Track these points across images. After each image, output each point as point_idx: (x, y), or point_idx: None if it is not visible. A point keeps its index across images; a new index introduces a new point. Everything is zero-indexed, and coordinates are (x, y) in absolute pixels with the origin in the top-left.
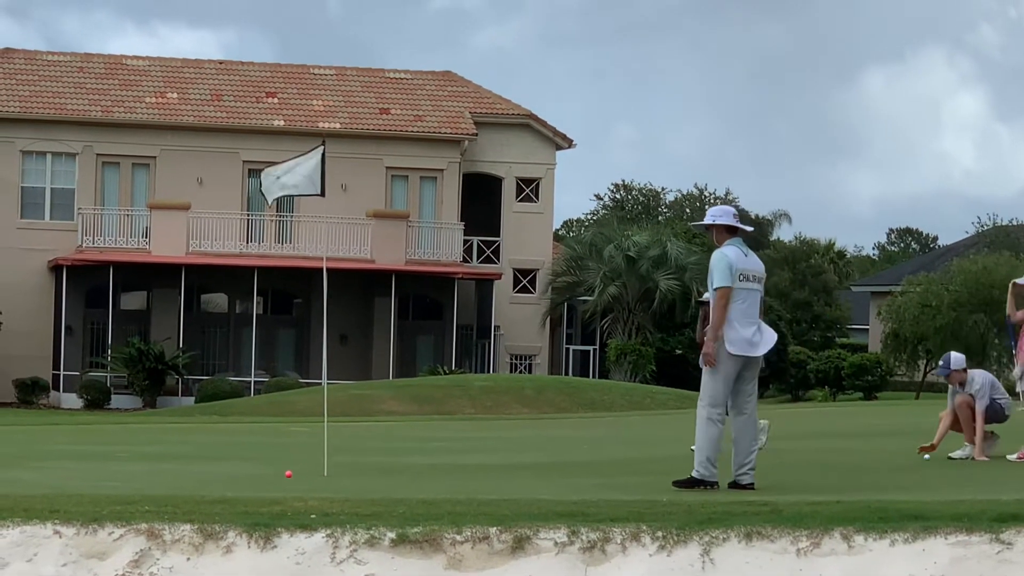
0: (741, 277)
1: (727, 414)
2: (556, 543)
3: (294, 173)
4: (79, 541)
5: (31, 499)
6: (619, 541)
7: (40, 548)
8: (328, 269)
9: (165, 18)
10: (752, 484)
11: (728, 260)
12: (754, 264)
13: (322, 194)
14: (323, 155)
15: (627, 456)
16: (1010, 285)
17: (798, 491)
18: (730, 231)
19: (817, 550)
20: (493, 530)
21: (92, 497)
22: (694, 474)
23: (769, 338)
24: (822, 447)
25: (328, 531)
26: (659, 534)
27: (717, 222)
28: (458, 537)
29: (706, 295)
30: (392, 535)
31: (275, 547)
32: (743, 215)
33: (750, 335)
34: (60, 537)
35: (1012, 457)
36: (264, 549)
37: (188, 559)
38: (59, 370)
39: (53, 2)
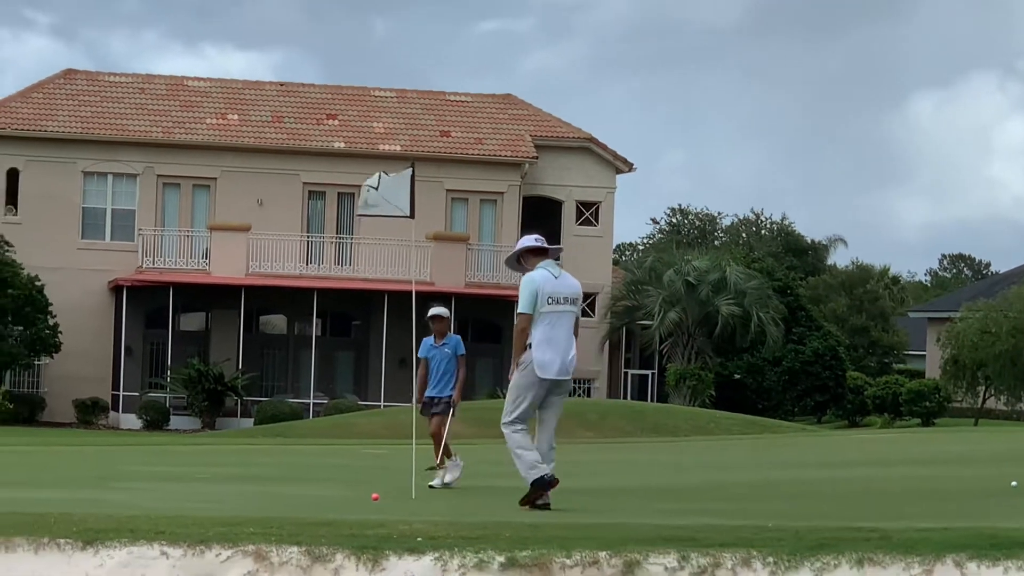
0: (550, 300)
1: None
2: (666, 568)
3: (382, 196)
4: (187, 563)
5: (136, 519)
6: (730, 566)
7: (147, 569)
8: (387, 291)
9: (213, 39)
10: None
11: (534, 285)
12: (566, 285)
13: (412, 216)
14: (412, 177)
15: (707, 480)
16: None
17: (899, 518)
18: (538, 253)
19: None
20: (603, 554)
21: (196, 518)
22: (530, 483)
23: (573, 361)
24: (907, 474)
25: (436, 554)
26: (770, 559)
27: (519, 248)
28: (568, 561)
29: None
30: (501, 559)
31: (383, 570)
32: (799, 239)
33: (557, 358)
34: (167, 558)
35: None
36: (372, 572)
37: None
38: (118, 391)
39: (100, 23)
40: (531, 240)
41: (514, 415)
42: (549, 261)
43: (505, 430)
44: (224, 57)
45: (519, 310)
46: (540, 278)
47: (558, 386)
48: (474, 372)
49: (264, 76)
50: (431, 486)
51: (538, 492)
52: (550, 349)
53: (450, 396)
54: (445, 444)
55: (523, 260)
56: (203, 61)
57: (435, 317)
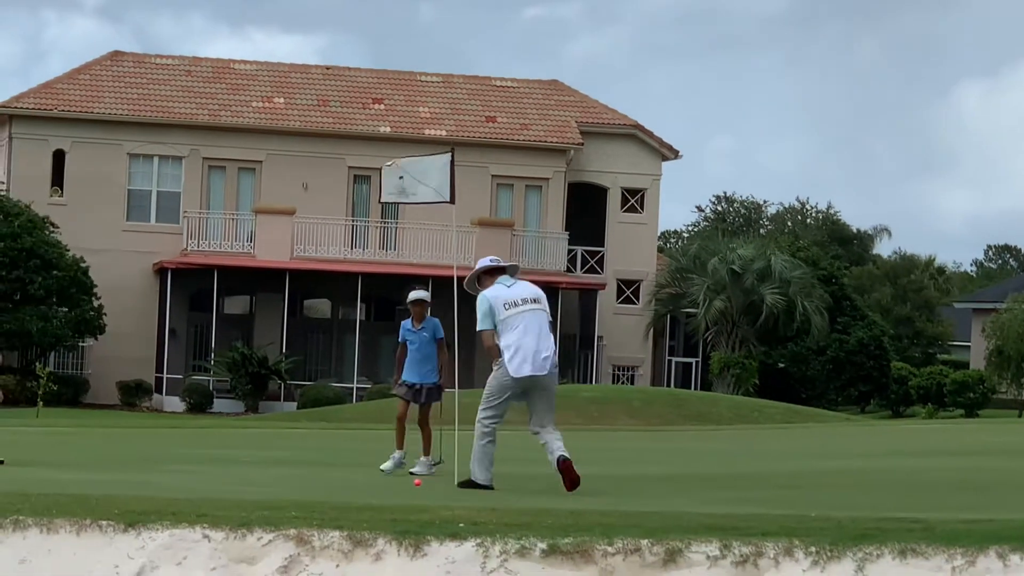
0: (505, 306)
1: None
2: (708, 557)
3: (417, 181)
4: (228, 546)
5: (178, 503)
6: (772, 556)
7: (189, 552)
8: (431, 276)
9: (260, 23)
10: (567, 457)
11: (486, 301)
12: (521, 290)
13: (452, 201)
14: (452, 162)
15: (750, 469)
16: None
17: (942, 509)
18: (494, 273)
19: (972, 569)
20: (644, 542)
21: (238, 502)
22: (473, 478)
23: (547, 357)
24: (951, 465)
25: (478, 540)
26: (812, 549)
27: (478, 269)
28: (609, 549)
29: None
30: (543, 545)
31: (425, 555)
32: (844, 228)
33: (528, 357)
34: (209, 541)
35: None
36: (414, 557)
37: (337, 566)
38: (162, 373)
39: (148, 5)
40: (487, 261)
41: (485, 411)
42: (505, 276)
43: (476, 427)
44: (270, 40)
45: (478, 328)
46: (491, 293)
47: (536, 383)
48: None
49: (310, 60)
50: (382, 469)
51: (473, 488)
52: (519, 351)
53: (433, 383)
54: (427, 438)
55: (481, 281)
56: (249, 44)
57: (417, 302)
